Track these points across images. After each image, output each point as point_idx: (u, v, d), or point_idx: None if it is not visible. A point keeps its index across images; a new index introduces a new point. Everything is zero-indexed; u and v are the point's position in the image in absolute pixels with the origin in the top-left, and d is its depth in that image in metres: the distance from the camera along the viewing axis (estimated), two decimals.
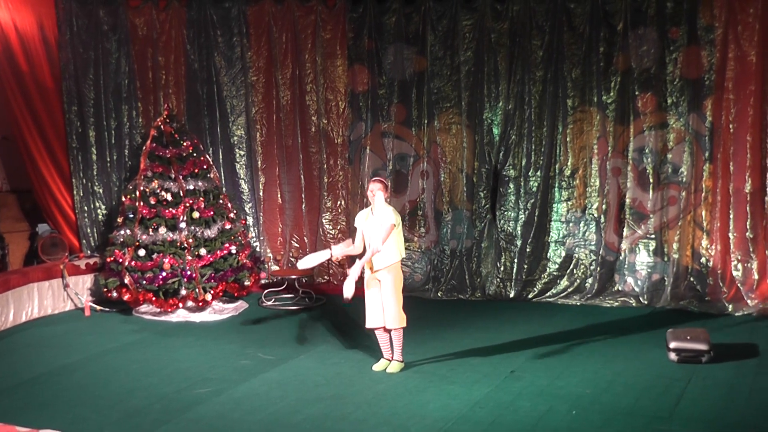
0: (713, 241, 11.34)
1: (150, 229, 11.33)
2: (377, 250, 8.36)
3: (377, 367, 8.72)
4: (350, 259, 9.05)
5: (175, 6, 12.92)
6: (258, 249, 13.14)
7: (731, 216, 11.24)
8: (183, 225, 11.28)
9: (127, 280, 11.14)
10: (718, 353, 8.80)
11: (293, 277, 12.19)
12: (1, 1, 12.05)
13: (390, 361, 8.73)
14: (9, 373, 9.04)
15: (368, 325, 8.71)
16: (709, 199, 11.37)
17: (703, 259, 11.44)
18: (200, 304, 11.21)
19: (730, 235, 11.24)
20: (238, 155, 13.23)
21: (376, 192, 8.48)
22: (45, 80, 12.61)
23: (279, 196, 13.26)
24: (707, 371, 8.50)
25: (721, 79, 11.15)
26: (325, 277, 13.08)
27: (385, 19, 12.55)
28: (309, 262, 8.77)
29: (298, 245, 13.16)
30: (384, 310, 8.52)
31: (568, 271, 12.07)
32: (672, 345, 8.85)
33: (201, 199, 11.53)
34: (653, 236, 11.69)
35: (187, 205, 11.37)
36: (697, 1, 11.19)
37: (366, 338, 9.77)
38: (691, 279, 11.48)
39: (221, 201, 11.88)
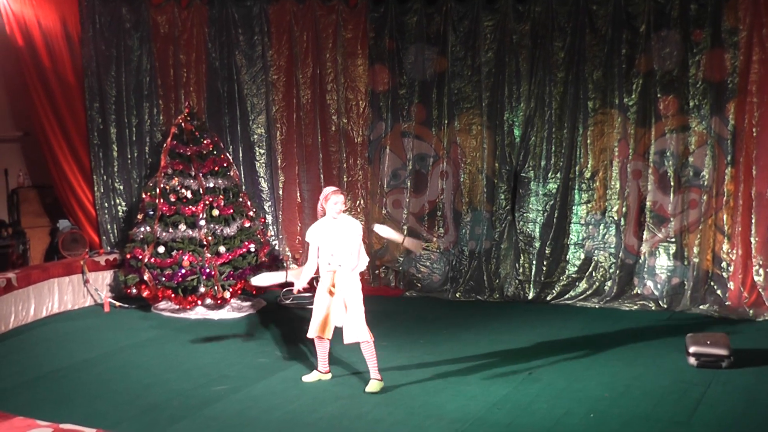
0: (734, 245, 11.25)
1: (170, 227, 11.37)
2: (355, 267, 8.21)
3: (309, 378, 8.45)
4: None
5: (197, 4, 12.96)
6: (277, 247, 13.15)
7: (753, 220, 11.15)
8: (202, 222, 11.30)
9: (146, 277, 11.18)
10: (738, 358, 8.73)
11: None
12: None
13: (323, 373, 8.47)
14: (29, 367, 9.11)
15: (312, 334, 8.35)
16: (730, 203, 11.28)
17: (723, 264, 11.36)
18: (219, 301, 11.24)
19: (752, 239, 11.15)
20: (257, 153, 13.25)
21: (340, 204, 8.19)
22: (67, 77, 12.67)
23: (298, 194, 13.27)
24: (727, 376, 8.44)
25: (745, 82, 11.06)
26: None
27: (406, 19, 12.53)
28: (263, 280, 8.80)
29: None
30: (350, 323, 8.13)
31: (587, 273, 12.02)
32: (691, 349, 8.79)
33: (221, 197, 11.55)
34: (673, 240, 11.62)
35: (207, 202, 11.40)
36: (721, 3, 11.10)
37: (383, 338, 9.73)
38: (712, 283, 11.41)
39: (241, 199, 11.90)
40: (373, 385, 8.15)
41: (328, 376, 8.54)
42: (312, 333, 8.39)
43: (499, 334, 10.27)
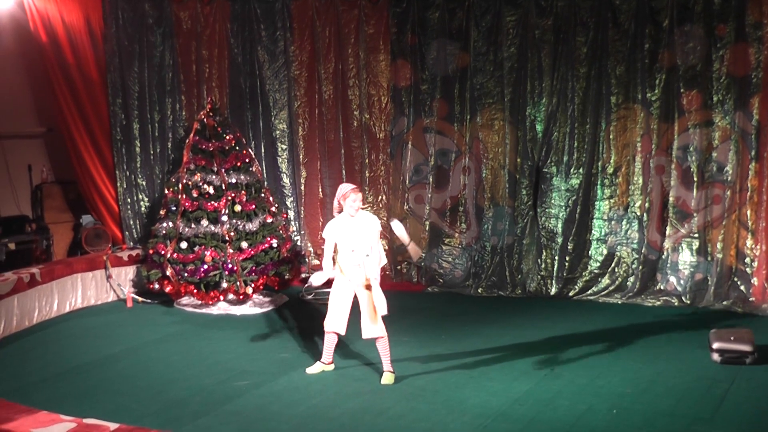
0: (758, 240, 11.15)
1: (192, 222, 11.41)
2: (381, 259, 8.36)
3: (312, 369, 8.58)
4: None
5: (220, 0, 12.99)
6: (299, 243, 13.17)
7: None
8: (225, 218, 11.34)
9: (168, 272, 11.22)
10: (763, 355, 8.66)
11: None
12: None
13: (326, 364, 8.60)
14: (53, 362, 9.19)
15: (332, 328, 8.45)
16: (754, 198, 11.18)
17: (747, 259, 11.26)
18: (241, 297, 11.26)
19: None
20: (280, 149, 13.28)
21: (359, 202, 8.25)
22: (90, 72, 12.75)
23: (320, 190, 13.29)
24: (751, 373, 8.39)
25: None
26: None
27: (428, 15, 12.50)
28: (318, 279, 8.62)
29: None
30: (367, 319, 8.23)
31: (610, 269, 11.96)
32: (715, 345, 8.74)
33: (243, 192, 11.58)
34: (697, 235, 11.53)
35: (229, 198, 11.43)
36: None
37: (404, 333, 9.77)
38: (735, 279, 11.32)
39: (263, 195, 11.92)
40: (387, 377, 8.26)
41: (331, 367, 8.65)
42: (330, 327, 8.48)
43: (521, 330, 10.25)
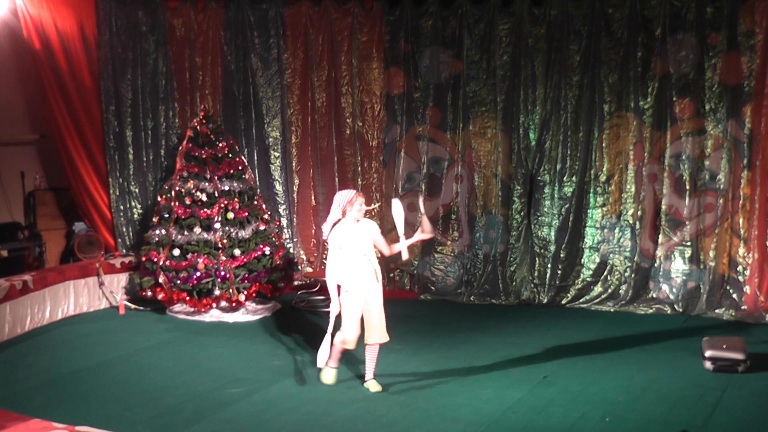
0: (750, 249, 11.18)
1: (185, 229, 11.40)
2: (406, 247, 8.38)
3: (328, 379, 8.45)
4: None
5: (213, 7, 13.01)
6: (291, 251, 13.16)
7: None
8: (218, 225, 11.33)
9: (161, 280, 11.21)
10: (755, 363, 8.69)
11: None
12: (43, 0, 12.17)
13: (336, 368, 8.49)
14: (45, 369, 9.16)
15: (352, 345, 8.30)
16: (746, 206, 11.22)
17: (740, 268, 11.29)
18: (233, 304, 11.26)
19: None
20: (273, 157, 13.29)
21: (364, 206, 8.24)
22: (84, 79, 12.72)
23: (313, 198, 13.30)
24: (743, 381, 8.41)
25: (761, 85, 11.00)
26: None
27: (421, 22, 12.53)
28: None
29: None
30: (378, 324, 8.22)
31: (603, 277, 11.98)
32: (707, 353, 8.76)
33: (236, 199, 11.57)
34: (689, 243, 11.56)
35: (222, 205, 11.42)
36: (737, 6, 11.05)
37: (397, 341, 9.74)
38: (728, 287, 11.35)
39: (256, 202, 11.92)
40: (375, 385, 8.26)
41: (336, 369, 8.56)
42: (350, 344, 8.29)
43: (514, 338, 10.25)
